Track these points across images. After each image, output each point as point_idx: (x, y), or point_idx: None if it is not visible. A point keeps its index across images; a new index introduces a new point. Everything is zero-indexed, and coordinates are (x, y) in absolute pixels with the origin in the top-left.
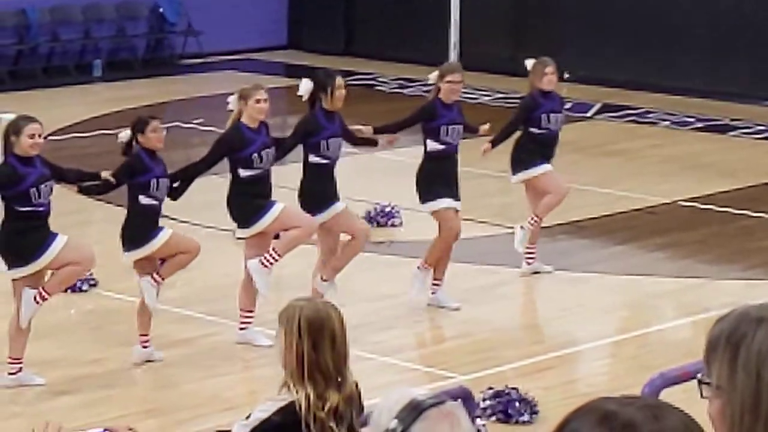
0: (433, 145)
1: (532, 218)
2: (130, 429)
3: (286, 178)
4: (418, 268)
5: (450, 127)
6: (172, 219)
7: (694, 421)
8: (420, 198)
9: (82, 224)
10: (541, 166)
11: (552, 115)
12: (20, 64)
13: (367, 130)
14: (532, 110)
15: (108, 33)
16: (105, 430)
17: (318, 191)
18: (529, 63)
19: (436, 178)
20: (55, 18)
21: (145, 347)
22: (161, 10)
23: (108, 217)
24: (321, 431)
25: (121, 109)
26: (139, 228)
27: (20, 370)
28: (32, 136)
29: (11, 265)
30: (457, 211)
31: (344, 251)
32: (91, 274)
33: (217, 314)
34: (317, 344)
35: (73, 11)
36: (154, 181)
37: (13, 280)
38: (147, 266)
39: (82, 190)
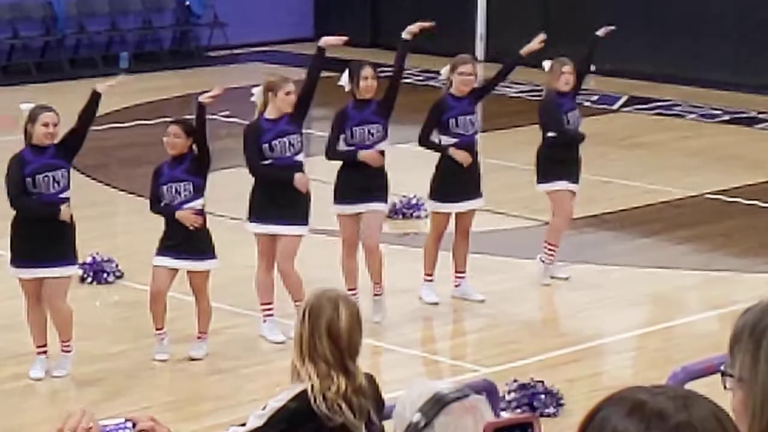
0: (445, 140)
1: (547, 248)
2: (153, 419)
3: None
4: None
5: (460, 118)
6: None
7: (723, 410)
8: (430, 195)
9: (108, 215)
10: (558, 182)
11: (570, 113)
12: (47, 56)
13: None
14: (555, 111)
15: (134, 25)
16: (127, 420)
17: (345, 181)
18: (547, 64)
19: (451, 177)
20: (82, 10)
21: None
22: (187, 2)
23: (133, 208)
24: (331, 410)
25: (147, 101)
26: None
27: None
28: (46, 125)
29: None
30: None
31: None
32: (117, 266)
33: (240, 306)
34: (314, 331)
35: (99, 3)
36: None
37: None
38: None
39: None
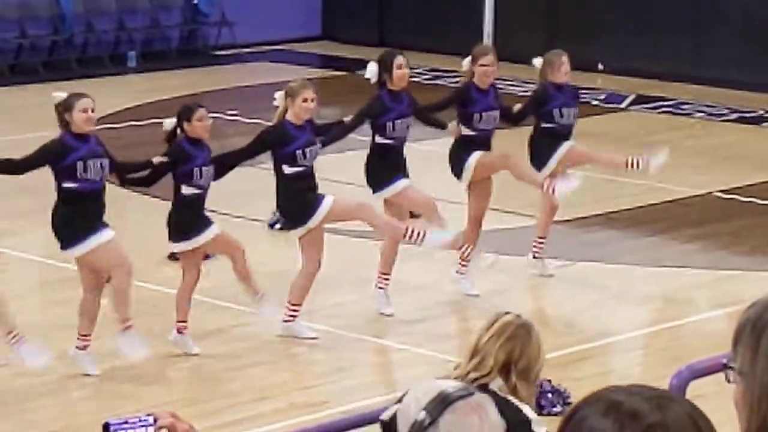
0: (467, 132)
1: (537, 242)
2: (174, 415)
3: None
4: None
5: (485, 114)
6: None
7: (701, 412)
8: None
9: (117, 215)
10: (543, 169)
11: (564, 109)
12: (55, 55)
13: None
14: (544, 104)
15: (142, 24)
16: (148, 415)
17: (381, 170)
18: (538, 60)
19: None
20: (89, 9)
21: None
22: (195, 1)
23: (142, 208)
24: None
25: (156, 99)
26: (185, 218)
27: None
28: (85, 111)
29: (64, 245)
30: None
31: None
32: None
33: (250, 304)
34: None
35: (106, 2)
36: (197, 170)
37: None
38: (192, 257)
39: (128, 182)
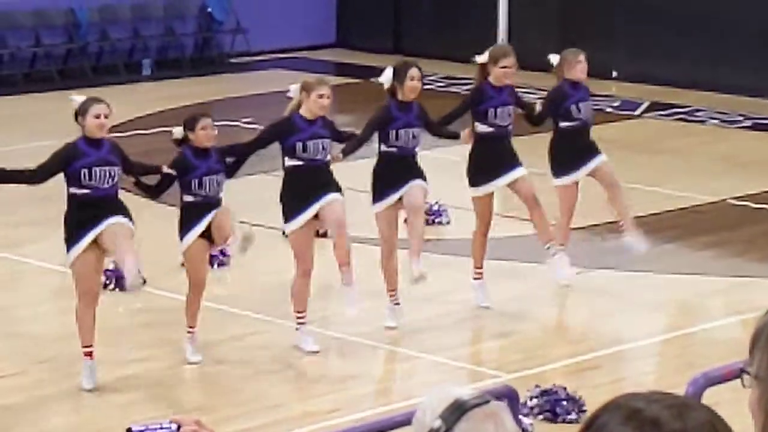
0: (481, 128)
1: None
2: (198, 422)
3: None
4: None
5: (499, 109)
6: None
7: (720, 419)
8: (471, 183)
9: None
10: (569, 176)
11: (581, 104)
12: (69, 63)
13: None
14: (561, 101)
15: (156, 32)
16: (171, 422)
17: (385, 178)
18: (554, 57)
19: (485, 162)
20: (104, 17)
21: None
22: (209, 9)
23: (156, 214)
24: None
25: (170, 107)
26: (186, 224)
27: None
28: (98, 116)
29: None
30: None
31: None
32: (139, 272)
33: (264, 312)
34: None
35: (121, 10)
36: (195, 181)
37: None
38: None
39: (138, 185)
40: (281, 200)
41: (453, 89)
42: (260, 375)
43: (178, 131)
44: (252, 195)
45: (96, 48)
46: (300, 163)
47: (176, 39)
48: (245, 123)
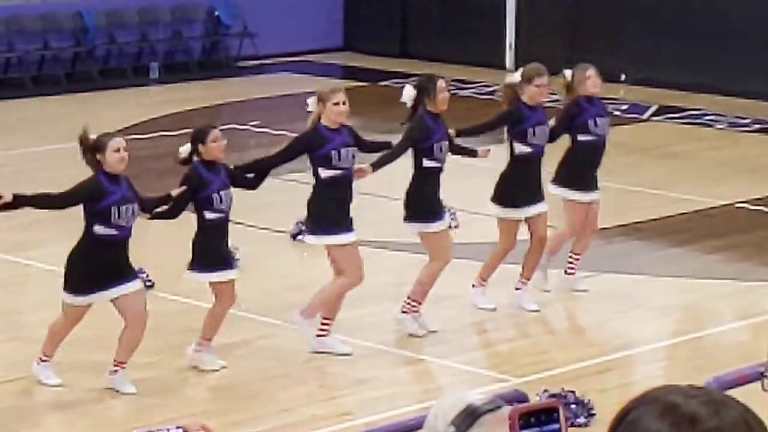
0: (521, 149)
1: (571, 259)
2: (205, 427)
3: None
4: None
5: (537, 128)
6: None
7: (754, 414)
8: (496, 201)
9: (138, 225)
10: (576, 193)
11: (599, 119)
12: (77, 67)
13: (451, 134)
14: (577, 116)
15: (164, 35)
16: (178, 428)
17: (430, 197)
18: (568, 73)
19: (518, 185)
20: (111, 21)
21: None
22: (217, 12)
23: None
24: None
25: (178, 111)
26: (211, 247)
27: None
28: (117, 150)
29: (70, 288)
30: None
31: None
32: (147, 276)
33: (273, 316)
34: None
35: (129, 14)
36: (216, 196)
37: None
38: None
39: (154, 217)
40: (317, 210)
41: (459, 93)
42: (269, 379)
43: (185, 150)
44: (257, 199)
45: (103, 51)
46: (338, 172)
47: (184, 42)
48: (253, 126)
